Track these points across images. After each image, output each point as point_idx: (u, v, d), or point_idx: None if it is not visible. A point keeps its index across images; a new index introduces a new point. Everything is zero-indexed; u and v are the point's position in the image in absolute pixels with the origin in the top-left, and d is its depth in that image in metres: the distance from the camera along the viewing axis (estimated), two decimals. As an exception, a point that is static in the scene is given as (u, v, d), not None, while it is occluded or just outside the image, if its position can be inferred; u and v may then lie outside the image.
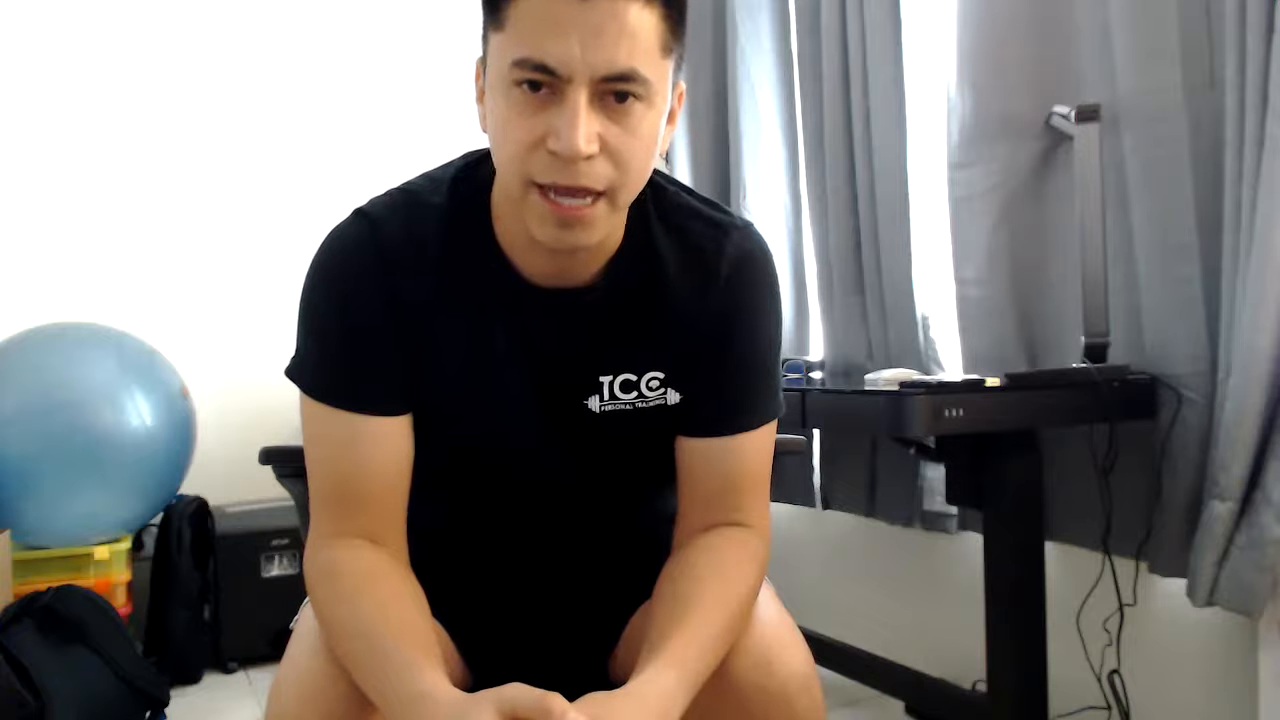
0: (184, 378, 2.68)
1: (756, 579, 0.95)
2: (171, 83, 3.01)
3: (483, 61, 0.88)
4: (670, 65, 0.85)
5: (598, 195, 0.83)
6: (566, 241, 0.85)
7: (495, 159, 0.88)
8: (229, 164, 3.08)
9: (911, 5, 2.23)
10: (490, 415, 0.97)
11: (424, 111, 3.21)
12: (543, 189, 0.83)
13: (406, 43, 3.28)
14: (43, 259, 2.86)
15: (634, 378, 0.98)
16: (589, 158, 0.81)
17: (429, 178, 0.97)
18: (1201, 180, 1.68)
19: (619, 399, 0.98)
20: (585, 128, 0.79)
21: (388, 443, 0.93)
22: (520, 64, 0.80)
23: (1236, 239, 1.59)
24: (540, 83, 0.80)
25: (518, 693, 0.75)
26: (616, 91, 0.81)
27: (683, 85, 0.91)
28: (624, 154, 0.82)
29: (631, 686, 0.81)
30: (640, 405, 0.98)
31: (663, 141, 0.88)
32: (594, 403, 0.98)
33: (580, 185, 0.82)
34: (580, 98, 0.79)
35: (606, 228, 0.87)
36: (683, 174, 3.03)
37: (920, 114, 2.24)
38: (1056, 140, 1.96)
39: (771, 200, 2.73)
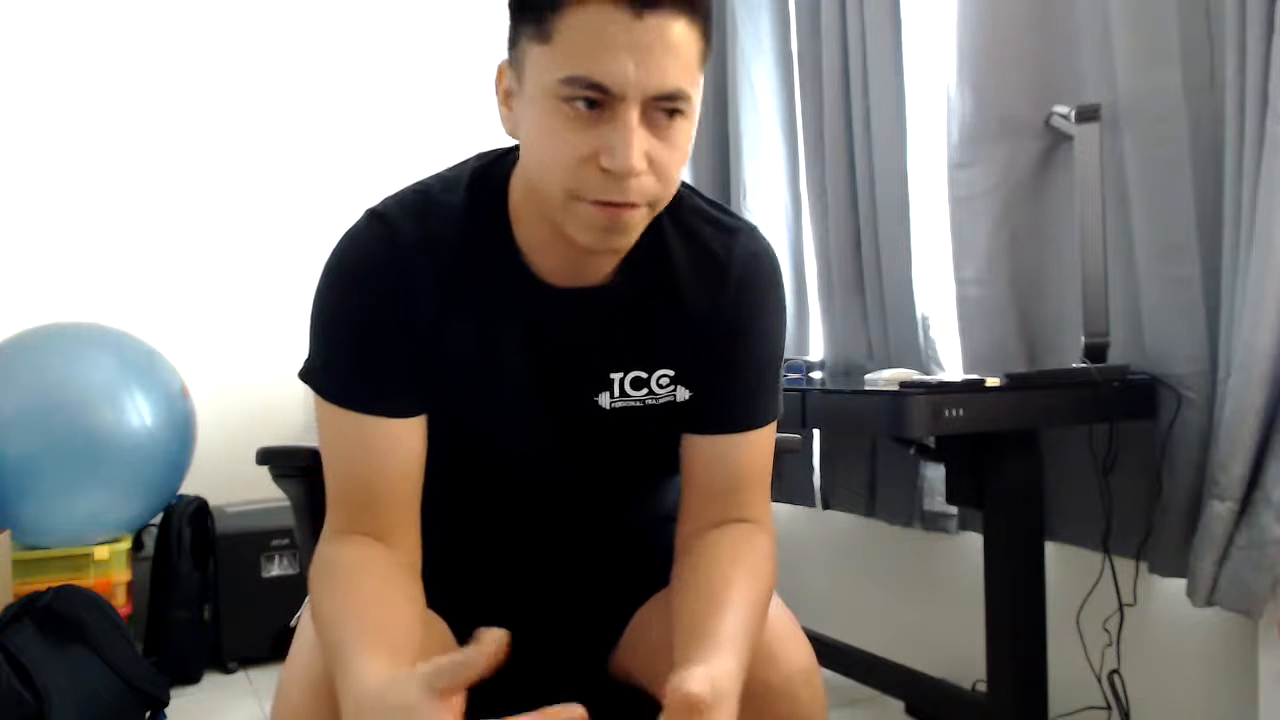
0: (184, 378, 2.68)
1: (774, 574, 0.96)
2: (172, 83, 3.01)
3: (512, 66, 0.87)
4: (702, 76, 0.86)
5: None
6: (608, 245, 0.87)
7: (533, 168, 0.87)
8: (229, 164, 3.08)
9: (911, 5, 2.23)
10: (501, 411, 0.97)
11: (426, 112, 3.22)
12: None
13: (411, 42, 3.28)
14: (43, 259, 2.86)
15: (645, 374, 0.99)
16: (638, 175, 0.82)
17: (441, 178, 0.97)
18: (1201, 180, 1.68)
19: (630, 396, 0.99)
20: (638, 146, 0.81)
21: (400, 445, 0.93)
22: (572, 81, 0.80)
23: (1236, 238, 1.59)
24: (594, 100, 0.80)
25: None
26: (665, 109, 0.82)
27: None
28: (667, 167, 0.84)
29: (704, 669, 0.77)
30: (650, 402, 0.99)
31: None
32: (604, 399, 0.98)
33: (629, 201, 0.83)
34: (632, 116, 0.80)
35: (640, 230, 0.89)
36: (683, 174, 3.02)
37: (920, 114, 2.24)
38: (1056, 140, 1.96)
39: (771, 200, 2.73)
